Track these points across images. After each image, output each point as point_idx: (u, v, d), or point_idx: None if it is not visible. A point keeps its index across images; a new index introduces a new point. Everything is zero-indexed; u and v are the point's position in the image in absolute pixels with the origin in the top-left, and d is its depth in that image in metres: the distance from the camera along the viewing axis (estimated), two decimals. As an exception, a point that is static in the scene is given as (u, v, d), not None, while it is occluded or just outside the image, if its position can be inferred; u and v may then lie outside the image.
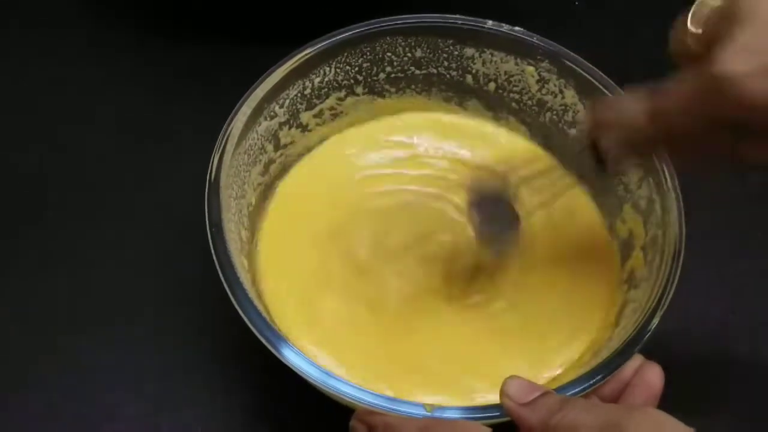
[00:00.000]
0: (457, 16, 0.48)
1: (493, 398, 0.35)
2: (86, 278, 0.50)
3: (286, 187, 0.49)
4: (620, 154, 0.37)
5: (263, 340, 0.36)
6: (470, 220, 0.45)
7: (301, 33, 0.47)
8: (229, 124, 0.43)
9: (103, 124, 0.57)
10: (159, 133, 0.56)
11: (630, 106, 0.35)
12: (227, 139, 0.42)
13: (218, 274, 0.38)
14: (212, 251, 0.39)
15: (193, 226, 0.41)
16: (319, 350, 0.43)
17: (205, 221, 0.40)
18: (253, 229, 0.46)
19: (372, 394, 0.35)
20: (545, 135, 0.50)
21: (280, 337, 0.36)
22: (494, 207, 0.44)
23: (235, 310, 0.37)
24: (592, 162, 0.38)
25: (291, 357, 0.36)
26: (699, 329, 0.49)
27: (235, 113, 0.43)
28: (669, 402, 0.37)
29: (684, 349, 0.48)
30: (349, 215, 0.48)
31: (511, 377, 0.34)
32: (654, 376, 0.37)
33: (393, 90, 0.51)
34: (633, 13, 0.64)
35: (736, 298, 0.51)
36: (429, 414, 0.34)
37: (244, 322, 0.37)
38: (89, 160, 0.55)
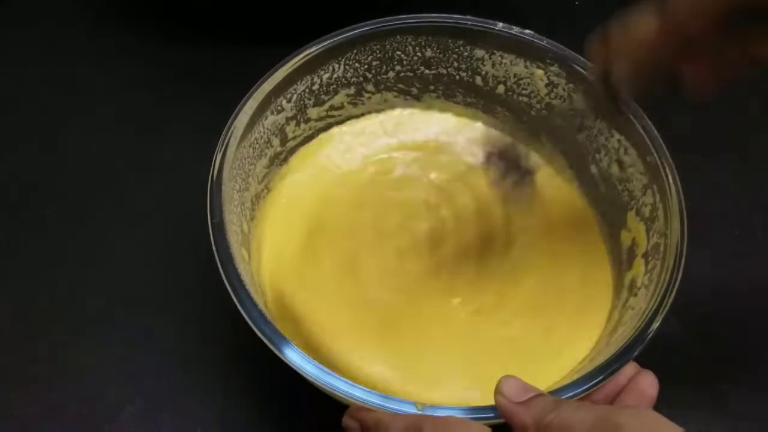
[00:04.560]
0: (468, 17, 0.48)
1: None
2: (86, 278, 0.49)
3: (288, 174, 0.49)
4: (634, 82, 0.36)
5: (262, 337, 0.36)
6: (487, 173, 0.45)
7: (302, 33, 0.47)
8: (234, 119, 0.43)
9: (103, 124, 0.57)
10: (159, 133, 0.56)
11: (639, 21, 0.35)
12: (231, 133, 0.42)
13: (218, 273, 0.38)
14: (213, 249, 0.38)
15: (194, 226, 0.41)
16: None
17: (205, 220, 0.39)
18: (255, 218, 0.46)
19: (364, 390, 0.35)
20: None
21: (279, 335, 0.36)
22: (508, 161, 0.44)
23: (236, 308, 0.37)
24: (603, 100, 0.38)
25: (289, 354, 0.36)
26: (699, 329, 0.49)
27: (241, 107, 0.43)
28: (669, 401, 0.37)
29: (683, 349, 0.48)
30: (347, 204, 0.48)
31: (507, 377, 0.34)
32: (647, 383, 0.37)
33: (414, 91, 0.52)
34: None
35: (736, 298, 0.51)
36: (420, 412, 0.34)
37: (244, 322, 0.37)
38: (89, 160, 0.55)
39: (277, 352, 0.36)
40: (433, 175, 0.50)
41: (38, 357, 0.46)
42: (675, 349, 0.47)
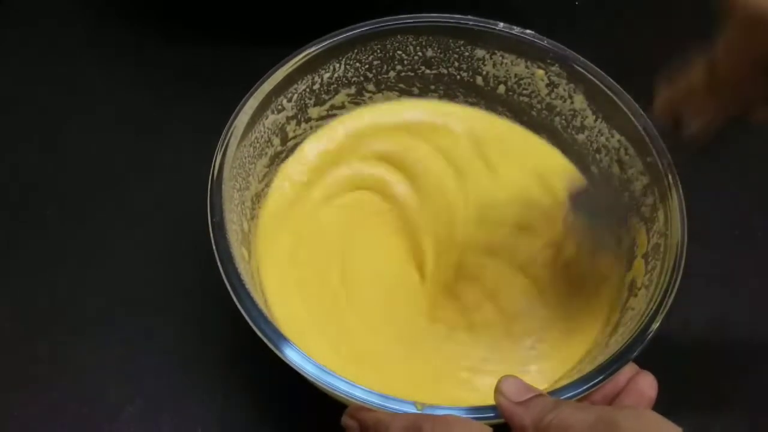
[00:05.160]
0: (469, 17, 0.48)
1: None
2: (86, 278, 0.49)
3: (284, 170, 0.49)
4: (704, 120, 0.38)
5: (263, 337, 0.36)
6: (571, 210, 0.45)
7: (302, 33, 0.47)
8: (234, 118, 0.43)
9: (103, 124, 0.57)
10: (159, 133, 0.56)
11: (692, 71, 0.36)
12: (232, 132, 0.42)
13: (218, 273, 0.38)
14: (214, 249, 0.38)
15: (194, 226, 0.40)
16: (318, 340, 0.43)
17: (205, 220, 0.39)
18: (255, 217, 0.46)
19: (364, 390, 0.35)
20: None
21: (279, 335, 0.36)
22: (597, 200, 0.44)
23: (236, 308, 0.37)
24: (679, 142, 0.39)
25: (289, 354, 0.36)
26: (699, 329, 0.49)
27: (242, 107, 0.43)
28: (669, 402, 0.37)
29: (683, 349, 0.48)
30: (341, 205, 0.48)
31: (507, 376, 0.34)
32: (647, 384, 0.37)
33: (416, 91, 0.51)
34: (633, 13, 0.64)
35: (736, 298, 0.51)
36: (420, 411, 0.34)
37: (244, 322, 0.37)
38: (89, 160, 0.55)
39: (277, 352, 0.36)
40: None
41: (38, 357, 0.46)
42: (675, 349, 0.47)
